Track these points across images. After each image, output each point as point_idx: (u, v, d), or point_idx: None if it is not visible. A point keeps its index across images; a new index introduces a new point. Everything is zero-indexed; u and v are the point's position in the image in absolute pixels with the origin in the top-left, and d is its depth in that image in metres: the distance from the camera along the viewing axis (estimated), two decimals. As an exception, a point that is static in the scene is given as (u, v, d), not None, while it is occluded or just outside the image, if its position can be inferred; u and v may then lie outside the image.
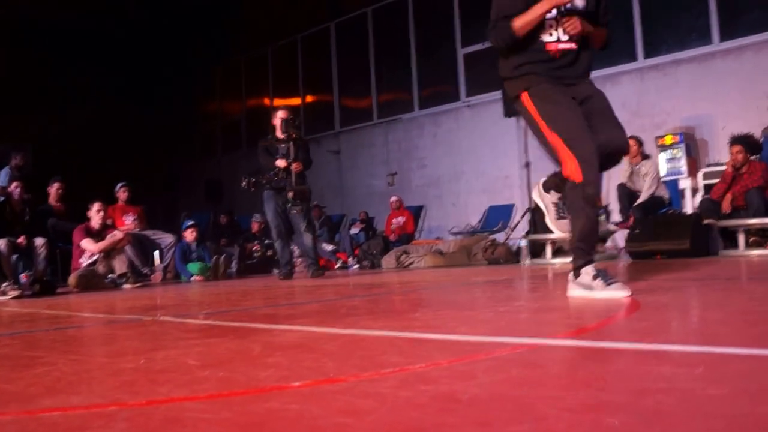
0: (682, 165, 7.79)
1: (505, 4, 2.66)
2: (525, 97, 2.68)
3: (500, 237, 8.71)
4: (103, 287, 6.64)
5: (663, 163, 7.83)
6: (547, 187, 2.92)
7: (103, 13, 12.87)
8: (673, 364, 1.24)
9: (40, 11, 12.14)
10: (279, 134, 6.51)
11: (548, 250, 6.89)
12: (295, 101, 13.10)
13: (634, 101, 8.50)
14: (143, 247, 7.91)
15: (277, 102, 13.34)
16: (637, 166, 7.00)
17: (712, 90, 8.04)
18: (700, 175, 7.62)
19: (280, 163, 6.35)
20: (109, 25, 13.25)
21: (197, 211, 11.41)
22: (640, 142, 7.06)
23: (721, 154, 7.46)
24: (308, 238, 6.53)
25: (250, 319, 2.68)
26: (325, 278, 6.21)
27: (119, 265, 6.77)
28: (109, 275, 6.84)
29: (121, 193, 8.28)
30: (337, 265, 9.31)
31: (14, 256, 6.78)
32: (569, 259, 2.73)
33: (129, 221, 8.07)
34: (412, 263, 8.20)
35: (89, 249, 6.79)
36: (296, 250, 7.62)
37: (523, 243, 7.08)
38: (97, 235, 6.88)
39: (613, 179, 7.39)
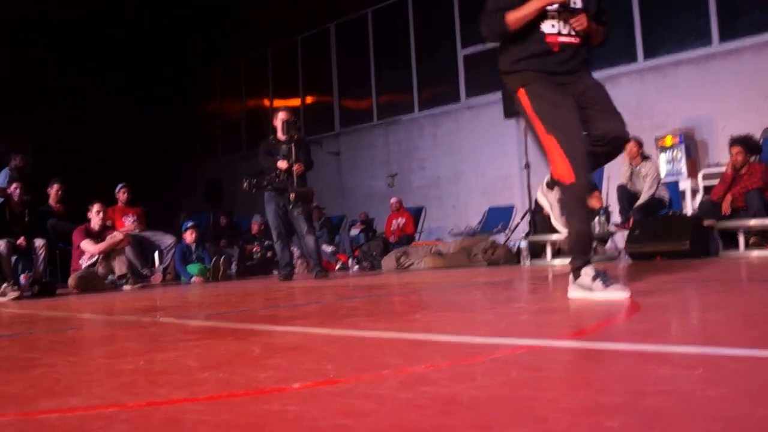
0: (682, 166, 7.80)
1: None
2: (522, 94, 2.68)
3: (500, 238, 8.71)
4: (102, 288, 6.64)
5: (663, 164, 7.83)
6: (550, 185, 2.91)
7: (103, 13, 12.86)
8: (673, 366, 1.24)
9: (40, 11, 12.13)
10: (280, 135, 6.51)
11: (548, 251, 6.89)
12: (295, 102, 13.10)
13: (634, 102, 8.49)
14: (143, 248, 7.91)
15: (277, 103, 13.35)
16: (637, 167, 7.00)
17: (711, 91, 8.04)
18: (700, 176, 7.63)
19: (282, 164, 6.34)
20: (109, 25, 13.25)
21: (197, 212, 11.42)
22: (640, 143, 7.06)
23: (721, 155, 7.46)
24: (311, 240, 6.53)
25: (250, 321, 2.68)
26: (326, 280, 6.20)
27: (119, 267, 6.77)
28: (109, 276, 6.84)
29: (121, 194, 8.28)
30: (337, 267, 9.31)
31: (14, 257, 6.79)
32: (569, 260, 2.73)
33: (129, 222, 8.08)
34: (411, 264, 8.20)
35: (89, 250, 6.79)
36: (296, 251, 7.62)
37: (523, 244, 7.08)
38: (97, 236, 6.88)
39: (613, 180, 7.39)
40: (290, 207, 6.30)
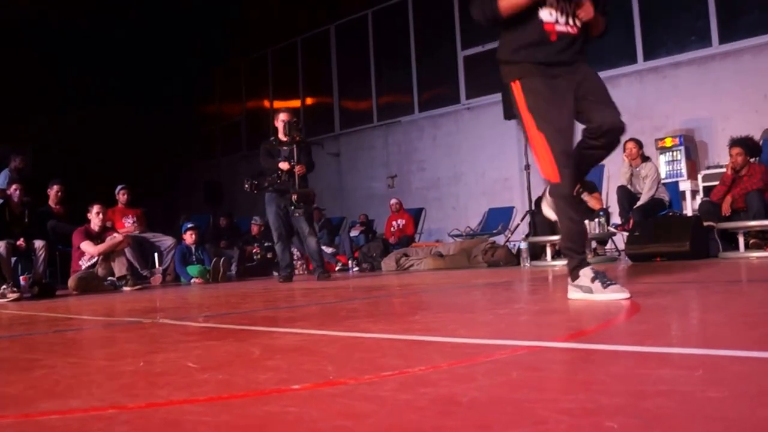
0: (682, 167, 7.81)
1: None
2: (516, 87, 2.68)
3: (500, 239, 8.71)
4: (102, 290, 6.64)
5: (663, 165, 7.84)
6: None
7: (103, 14, 12.87)
8: (673, 367, 1.24)
9: (39, 12, 12.14)
10: (281, 136, 6.50)
11: (548, 252, 6.89)
12: (295, 103, 13.11)
13: (634, 103, 8.50)
14: (143, 249, 7.92)
15: (277, 104, 13.35)
16: (637, 169, 7.00)
17: (711, 92, 8.05)
18: (699, 177, 7.64)
19: (283, 165, 6.33)
20: (109, 26, 13.26)
21: (197, 214, 11.42)
22: (639, 145, 7.06)
23: (721, 157, 7.47)
24: (313, 242, 6.52)
25: (250, 322, 2.68)
26: (329, 281, 6.19)
27: (119, 268, 6.77)
28: (109, 278, 6.84)
29: (121, 196, 8.29)
30: (337, 268, 9.32)
31: (13, 259, 6.79)
32: (566, 262, 2.72)
33: (128, 223, 8.08)
34: (411, 266, 8.20)
35: (89, 251, 6.79)
36: (296, 252, 7.61)
37: (523, 245, 7.08)
38: (97, 237, 6.88)
39: (613, 181, 7.40)
40: (292, 208, 6.29)
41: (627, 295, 2.44)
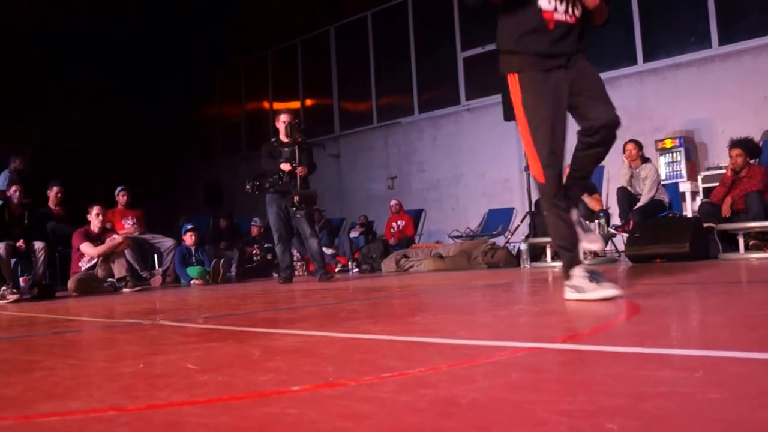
0: (682, 168, 7.81)
1: None
2: (513, 80, 2.68)
3: (500, 240, 8.72)
4: (102, 291, 6.64)
5: (662, 166, 7.84)
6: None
7: (103, 15, 12.88)
8: (673, 368, 1.24)
9: (39, 12, 12.14)
10: (282, 138, 6.49)
11: (548, 253, 6.89)
12: (295, 105, 13.11)
13: (634, 105, 8.51)
14: (142, 250, 7.92)
15: (277, 105, 13.36)
16: (637, 170, 7.01)
17: (711, 93, 8.05)
18: (699, 178, 7.64)
19: (285, 166, 6.32)
20: (109, 27, 13.27)
21: (196, 215, 11.42)
22: (639, 146, 7.06)
23: (721, 158, 7.47)
24: (315, 243, 6.51)
25: (250, 324, 2.68)
26: (330, 282, 6.17)
27: (118, 269, 6.77)
28: (109, 279, 6.84)
29: (121, 197, 8.29)
30: (337, 269, 9.31)
31: (13, 260, 6.78)
32: (586, 263, 2.72)
33: (128, 225, 8.08)
34: (411, 267, 8.20)
35: (88, 253, 6.79)
36: (296, 254, 7.61)
37: (523, 246, 7.08)
38: (97, 238, 6.89)
39: (613, 182, 7.40)
40: (294, 209, 6.28)
41: (619, 292, 2.44)
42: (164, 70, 14.49)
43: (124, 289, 6.62)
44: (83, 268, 6.80)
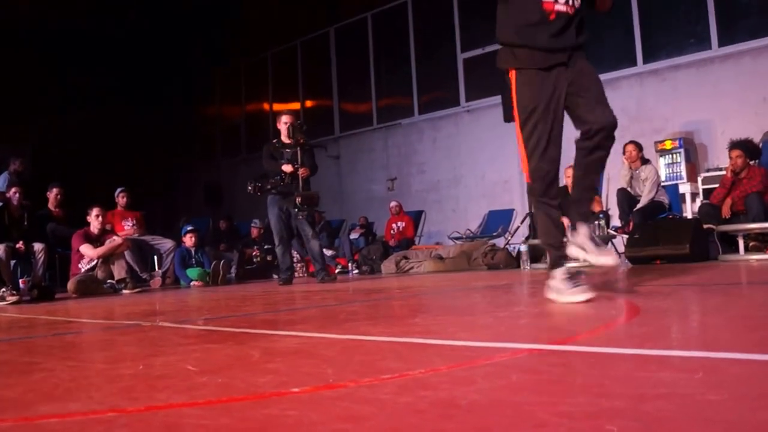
0: (682, 170, 7.81)
1: None
2: (513, 76, 2.69)
3: (500, 242, 8.71)
4: (101, 293, 6.63)
5: (662, 168, 7.84)
6: (572, 227, 2.75)
7: (103, 16, 12.89)
8: (673, 370, 1.24)
9: (39, 12, 12.15)
10: (284, 139, 6.49)
11: (548, 255, 6.88)
12: (295, 106, 13.12)
13: (634, 106, 8.52)
14: (142, 252, 7.92)
15: (277, 107, 13.36)
16: (637, 171, 7.01)
17: (711, 95, 8.06)
18: (699, 179, 7.63)
19: (287, 168, 6.32)
20: (109, 28, 13.28)
21: (196, 216, 11.42)
22: (639, 147, 7.06)
23: (721, 159, 7.47)
24: (316, 245, 6.51)
25: (249, 325, 2.68)
26: (331, 284, 6.16)
27: (118, 271, 6.77)
28: (108, 281, 6.84)
29: (120, 198, 8.29)
30: (337, 270, 9.31)
31: (13, 262, 6.78)
32: (569, 264, 2.73)
33: (128, 226, 8.08)
34: (411, 268, 8.19)
35: (88, 254, 6.79)
36: (296, 255, 7.61)
37: (523, 248, 7.08)
38: (96, 240, 6.88)
39: (613, 184, 7.40)
40: (296, 211, 6.27)
41: (590, 296, 2.49)
42: (164, 70, 14.49)
43: (124, 291, 6.62)
44: (83, 270, 6.80)
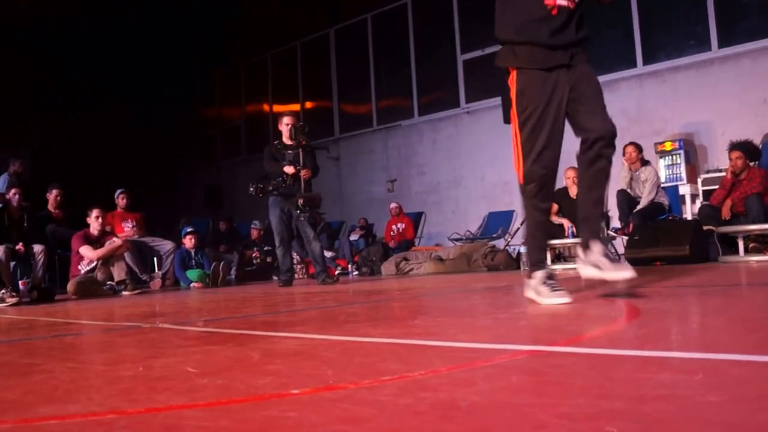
0: (682, 171, 7.81)
1: None
2: (513, 76, 2.68)
3: (500, 243, 8.71)
4: (101, 294, 6.63)
5: (662, 169, 7.85)
6: (584, 245, 2.69)
7: (103, 14, 12.88)
8: (673, 371, 1.24)
9: (39, 12, 12.15)
10: (286, 140, 6.48)
11: (548, 256, 6.88)
12: (295, 107, 13.11)
13: (633, 108, 8.52)
14: (142, 253, 7.92)
15: (277, 108, 13.36)
16: (637, 173, 7.01)
17: (711, 96, 8.06)
18: (699, 181, 7.64)
19: (289, 169, 6.31)
20: (109, 29, 13.28)
21: (196, 218, 11.42)
22: (639, 149, 7.07)
23: (720, 161, 7.47)
24: (317, 246, 6.50)
25: (249, 327, 2.68)
26: (331, 285, 6.15)
27: (118, 272, 6.77)
28: (108, 282, 6.83)
29: (120, 200, 8.29)
30: (337, 272, 9.30)
31: (12, 263, 6.78)
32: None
33: (128, 228, 8.08)
34: (411, 270, 8.19)
35: (88, 256, 6.79)
36: (296, 256, 7.60)
37: (523, 249, 7.07)
38: (96, 241, 6.88)
39: (612, 185, 7.39)
40: (298, 212, 6.26)
41: (568, 300, 2.53)
42: (164, 71, 14.49)
43: (124, 292, 6.62)
44: (83, 271, 6.79)
